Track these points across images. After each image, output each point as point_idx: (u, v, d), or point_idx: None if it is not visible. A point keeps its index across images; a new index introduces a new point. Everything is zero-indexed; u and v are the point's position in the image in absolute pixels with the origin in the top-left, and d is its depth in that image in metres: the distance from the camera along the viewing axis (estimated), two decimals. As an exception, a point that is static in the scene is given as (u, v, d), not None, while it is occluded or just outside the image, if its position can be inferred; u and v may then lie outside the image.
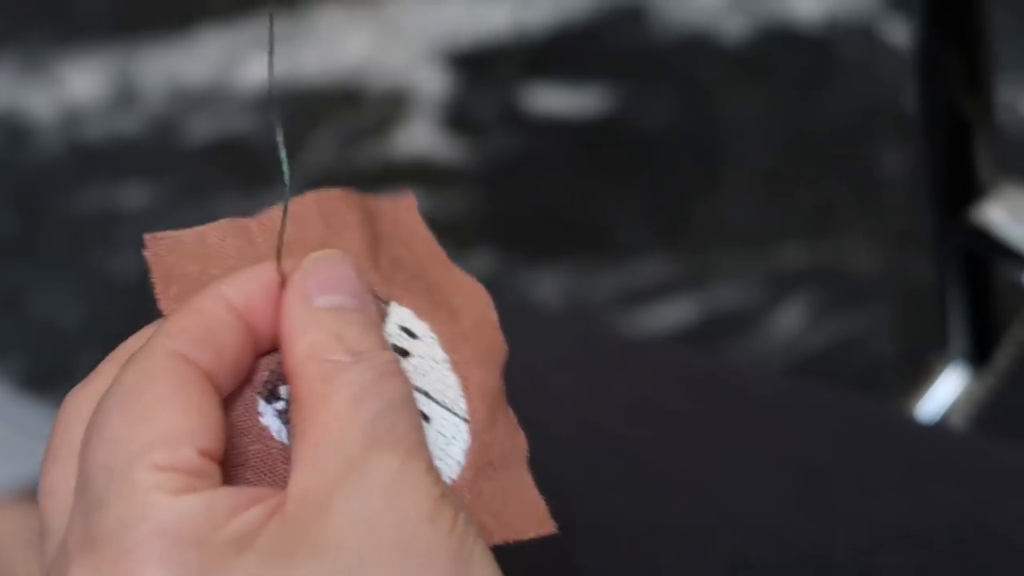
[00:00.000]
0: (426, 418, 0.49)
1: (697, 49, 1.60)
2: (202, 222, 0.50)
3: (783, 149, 1.56)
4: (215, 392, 0.46)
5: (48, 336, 1.44)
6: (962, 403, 0.93)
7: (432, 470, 0.44)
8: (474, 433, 0.50)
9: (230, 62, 1.59)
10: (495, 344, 0.52)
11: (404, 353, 0.50)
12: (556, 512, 0.69)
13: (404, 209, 0.53)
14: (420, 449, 0.45)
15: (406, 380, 0.46)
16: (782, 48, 1.60)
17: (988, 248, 0.89)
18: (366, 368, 0.45)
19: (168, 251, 0.49)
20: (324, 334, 0.46)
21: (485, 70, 1.60)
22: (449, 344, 0.51)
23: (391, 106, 1.57)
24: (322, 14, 1.62)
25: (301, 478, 0.44)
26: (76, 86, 1.58)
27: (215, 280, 0.48)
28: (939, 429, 0.80)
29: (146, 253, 0.48)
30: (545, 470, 0.73)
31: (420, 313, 0.51)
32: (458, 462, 0.50)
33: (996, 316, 0.95)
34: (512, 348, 0.80)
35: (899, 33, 1.59)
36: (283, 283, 0.48)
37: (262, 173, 1.48)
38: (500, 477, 0.50)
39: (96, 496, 0.44)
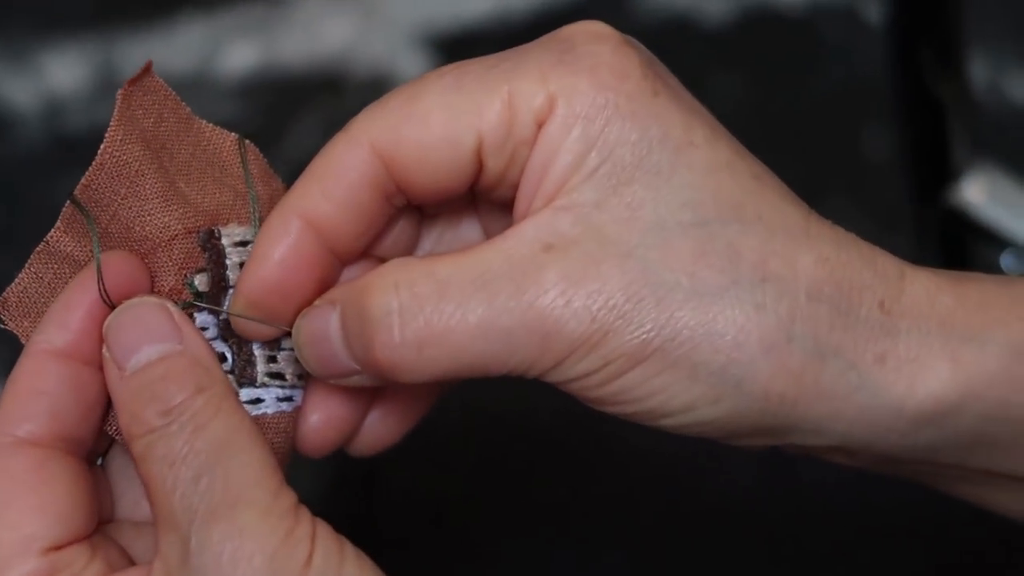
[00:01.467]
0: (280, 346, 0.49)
1: (679, 32, 1.60)
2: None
3: (765, 129, 1.55)
4: (66, 463, 0.46)
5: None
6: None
7: (270, 514, 0.43)
8: None
9: (211, 50, 1.58)
10: (275, 185, 0.52)
11: (243, 265, 0.49)
12: (529, 497, 0.69)
13: (151, 87, 0.52)
14: (247, 500, 0.43)
15: (226, 416, 0.45)
16: (764, 30, 1.60)
17: (965, 229, 0.89)
18: (175, 430, 0.45)
19: (20, 306, 0.49)
20: (136, 405, 0.46)
21: (468, 54, 1.59)
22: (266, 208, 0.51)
23: (374, 92, 1.56)
24: (303, 0, 1.62)
25: (155, 566, 0.45)
26: (57, 76, 1.57)
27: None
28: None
29: (2, 316, 0.49)
30: (525, 456, 0.73)
31: (235, 215, 0.51)
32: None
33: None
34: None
35: (881, 15, 1.59)
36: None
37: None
38: None
39: None
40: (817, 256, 0.47)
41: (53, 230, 0.49)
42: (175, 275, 0.49)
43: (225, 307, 0.48)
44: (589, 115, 0.47)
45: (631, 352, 0.45)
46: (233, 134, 0.51)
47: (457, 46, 1.59)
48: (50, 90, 1.56)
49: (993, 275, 0.48)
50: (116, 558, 0.47)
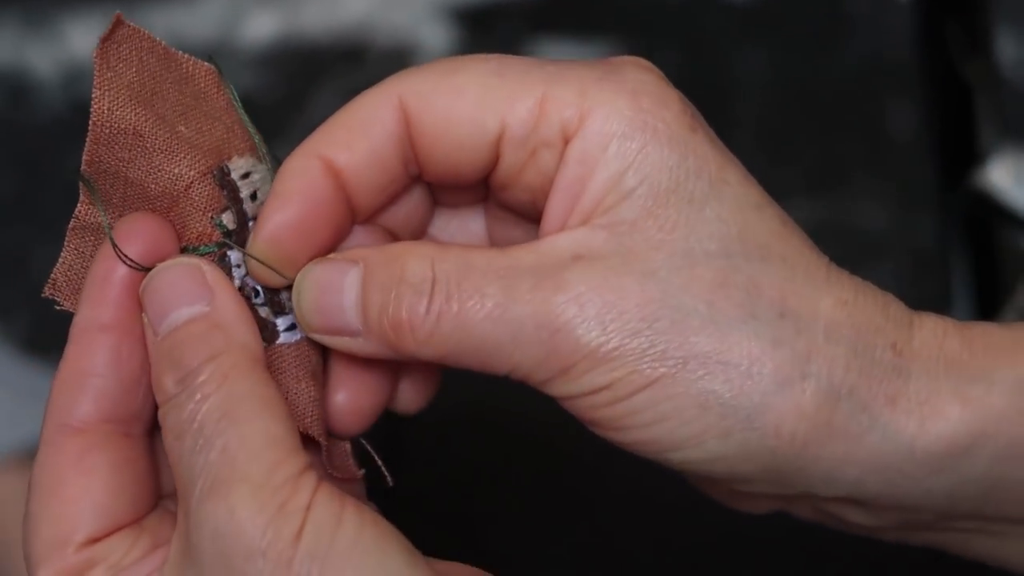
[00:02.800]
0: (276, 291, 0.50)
1: (705, 4, 1.59)
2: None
3: (790, 105, 1.55)
4: (112, 448, 0.46)
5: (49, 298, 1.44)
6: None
7: (262, 489, 0.43)
8: None
9: (233, 19, 1.58)
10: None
11: (254, 197, 0.49)
12: (542, 492, 0.68)
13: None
14: (240, 476, 0.43)
15: (231, 384, 0.45)
16: (790, 4, 1.59)
17: (990, 212, 0.88)
18: (183, 400, 0.45)
19: (69, 284, 0.49)
20: (160, 368, 0.45)
21: (490, 26, 1.59)
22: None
23: (395, 63, 1.56)
24: (326, -30, 1.61)
25: (173, 538, 0.45)
26: (78, 44, 1.57)
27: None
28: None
29: (56, 299, 0.49)
30: (539, 454, 0.73)
31: (232, 148, 0.51)
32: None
33: (999, 280, 0.94)
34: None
35: (908, -12, 1.58)
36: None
37: (265, 130, 1.47)
38: None
39: None
40: (836, 299, 0.47)
41: (79, 204, 0.49)
42: (201, 219, 0.49)
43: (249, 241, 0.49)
44: (626, 134, 0.46)
45: (640, 372, 0.45)
46: (206, 63, 0.51)
47: (479, 19, 1.59)
48: (71, 57, 1.56)
49: (997, 323, 0.48)
50: (166, 529, 0.47)
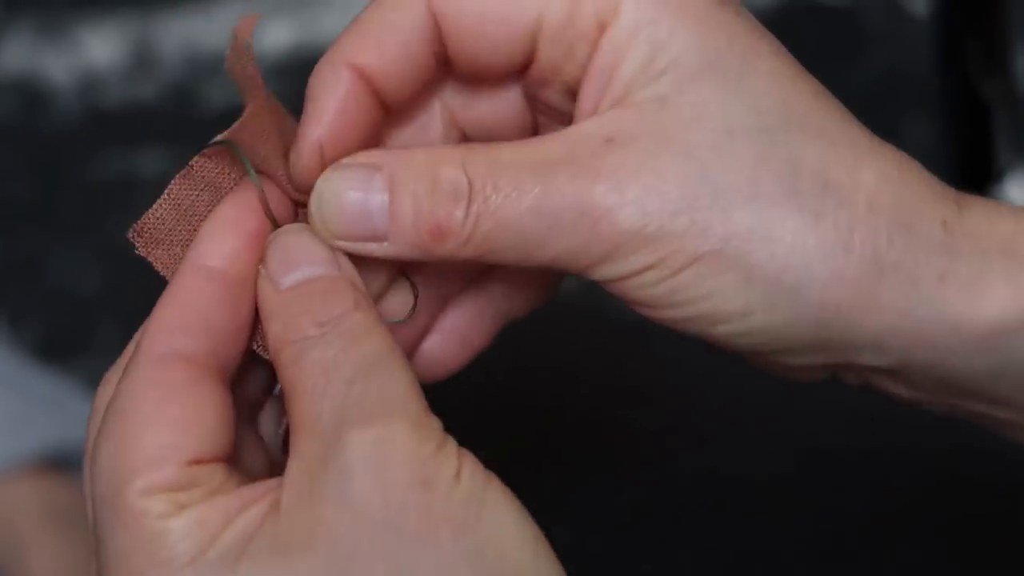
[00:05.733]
0: None
1: (720, 17, 1.59)
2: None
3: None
4: (213, 382, 0.46)
5: (64, 303, 1.44)
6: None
7: (421, 425, 0.43)
8: None
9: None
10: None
11: None
12: (563, 495, 0.68)
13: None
14: (400, 409, 0.43)
15: (380, 336, 0.45)
16: (806, 17, 1.59)
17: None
18: (332, 339, 0.45)
19: (154, 233, 0.49)
20: (289, 315, 0.45)
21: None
22: None
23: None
24: (342, -20, 1.61)
25: (291, 467, 0.44)
26: (94, 52, 1.57)
27: (196, 233, 0.48)
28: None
29: (136, 244, 0.49)
30: (559, 453, 0.72)
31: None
32: None
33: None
34: (527, 328, 0.80)
35: (923, 3, 1.58)
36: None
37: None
38: None
39: (97, 528, 0.45)
40: (879, 171, 0.47)
41: (197, 156, 0.49)
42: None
43: None
44: (656, 19, 0.46)
45: (684, 250, 0.45)
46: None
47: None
48: (87, 65, 1.56)
49: None
50: (246, 482, 0.46)
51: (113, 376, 0.47)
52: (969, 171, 0.89)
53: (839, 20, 1.59)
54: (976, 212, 0.47)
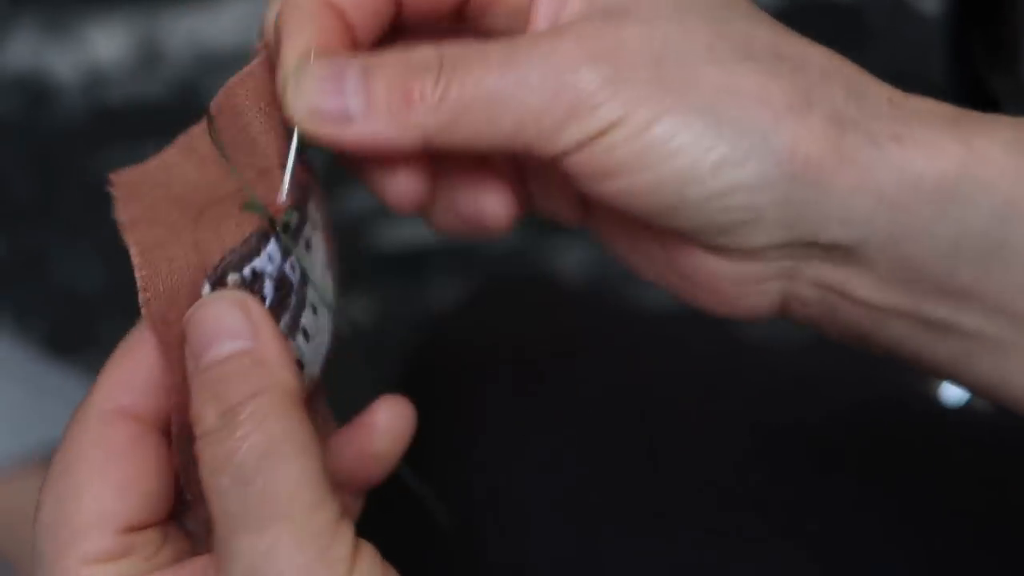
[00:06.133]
0: (315, 311, 0.49)
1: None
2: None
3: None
4: (157, 440, 0.46)
5: (68, 300, 1.44)
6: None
7: (308, 527, 0.43)
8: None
9: (254, 25, 1.58)
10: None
11: (308, 246, 0.50)
12: (585, 485, 0.68)
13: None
14: (285, 514, 0.43)
15: (270, 426, 0.44)
16: (812, 15, 1.59)
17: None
18: (225, 435, 0.44)
19: (131, 182, 0.49)
20: (200, 402, 0.45)
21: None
22: (325, 227, 0.52)
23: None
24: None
25: (206, 561, 0.45)
26: (99, 48, 1.57)
27: (178, 198, 0.48)
28: (964, 408, 0.80)
29: (111, 188, 0.49)
30: (576, 446, 0.73)
31: (316, 200, 0.51)
32: (325, 358, 0.51)
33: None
34: (540, 321, 0.80)
35: (928, 2, 1.58)
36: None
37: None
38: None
39: None
40: (825, 54, 0.49)
41: (196, 126, 0.50)
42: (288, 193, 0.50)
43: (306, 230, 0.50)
44: None
45: (651, 102, 0.46)
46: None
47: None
48: (92, 62, 1.56)
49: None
50: (183, 545, 0.47)
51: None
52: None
53: (846, 18, 1.59)
54: (917, 98, 0.48)
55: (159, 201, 0.49)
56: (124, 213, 0.48)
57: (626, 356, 0.76)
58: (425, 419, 0.78)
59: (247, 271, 0.48)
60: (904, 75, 1.69)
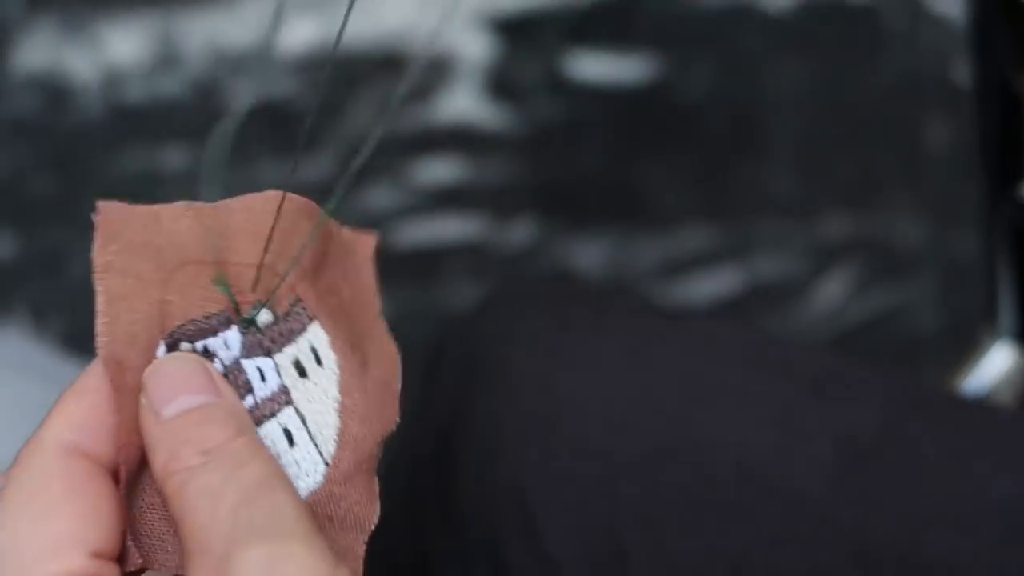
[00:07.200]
0: (291, 442, 0.48)
1: (741, 17, 1.59)
2: (243, 186, 0.50)
3: (826, 119, 1.54)
4: (109, 483, 0.46)
5: (86, 298, 1.44)
6: (1010, 380, 0.92)
7: (315, 545, 0.43)
8: (329, 480, 0.49)
9: (271, 25, 1.58)
10: (388, 412, 0.51)
11: (302, 373, 0.49)
12: (603, 486, 0.68)
13: (361, 245, 0.53)
14: (290, 530, 0.43)
15: (262, 460, 0.45)
16: (827, 17, 1.59)
17: (1038, 224, 0.88)
18: (216, 466, 0.45)
19: (118, 219, 0.48)
20: (173, 445, 0.45)
21: (528, 36, 1.59)
22: (346, 388, 0.50)
23: (433, 72, 1.56)
24: (364, -22, 1.61)
25: None
26: (117, 48, 1.57)
27: (159, 248, 0.48)
28: (987, 406, 0.80)
29: (95, 216, 0.48)
30: (591, 444, 0.73)
31: (335, 346, 0.50)
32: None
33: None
34: (555, 320, 0.80)
35: (945, 3, 1.58)
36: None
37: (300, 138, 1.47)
38: (333, 536, 0.49)
39: None
40: None
41: (205, 204, 0.50)
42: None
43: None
44: None
45: None
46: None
47: (517, 29, 1.59)
48: (109, 61, 1.57)
49: None
50: None
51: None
52: (999, 166, 0.89)
53: (860, 20, 1.59)
54: None
55: (137, 248, 0.48)
56: (100, 255, 0.48)
57: (648, 361, 0.76)
58: (443, 418, 0.78)
59: (199, 345, 0.48)
60: (920, 78, 1.69)
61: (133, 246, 0.48)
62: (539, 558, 0.71)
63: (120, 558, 0.46)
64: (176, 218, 0.49)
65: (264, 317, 0.49)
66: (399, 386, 0.51)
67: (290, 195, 0.50)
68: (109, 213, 0.48)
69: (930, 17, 1.58)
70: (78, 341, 1.41)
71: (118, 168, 1.50)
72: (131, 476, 0.46)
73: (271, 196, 0.50)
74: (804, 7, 1.58)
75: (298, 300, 0.50)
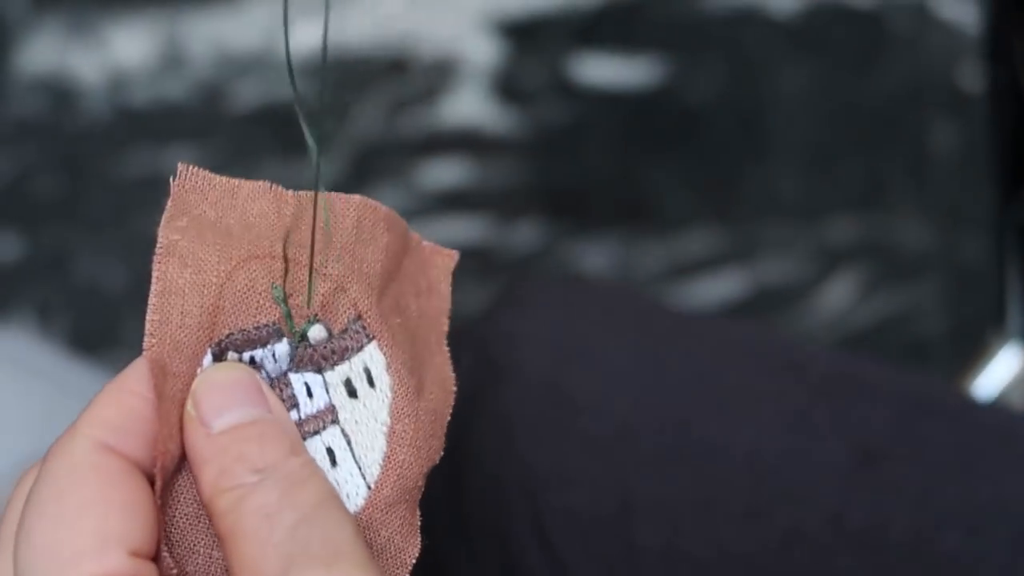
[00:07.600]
0: (334, 462, 0.47)
1: (747, 20, 1.59)
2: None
3: (832, 122, 1.54)
4: (145, 484, 0.44)
5: (92, 299, 1.44)
6: (1019, 382, 0.92)
7: (369, 570, 0.42)
8: (370, 505, 0.48)
9: (277, 28, 1.58)
10: (435, 443, 0.49)
11: (352, 393, 0.48)
12: (613, 486, 0.68)
13: (441, 260, 0.51)
14: (348, 553, 0.42)
15: (318, 481, 0.44)
16: (833, 21, 1.59)
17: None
18: (272, 485, 0.43)
19: (194, 187, 0.47)
20: (225, 462, 0.44)
21: (534, 39, 1.59)
22: (397, 413, 0.48)
23: (438, 75, 1.56)
24: (370, -20, 1.61)
25: None
26: (123, 50, 1.57)
27: (228, 229, 0.46)
28: (996, 408, 0.79)
29: (172, 180, 0.46)
30: (601, 444, 0.72)
31: (391, 368, 0.49)
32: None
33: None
34: (565, 320, 0.80)
35: (951, 7, 1.58)
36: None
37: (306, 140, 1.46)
38: None
39: None
40: None
41: (288, 191, 0.48)
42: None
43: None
44: None
45: None
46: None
47: (524, 32, 1.59)
48: (115, 63, 1.56)
49: None
50: None
51: (32, 471, 0.46)
52: (1009, 168, 0.89)
53: (866, 24, 1.59)
54: None
55: (206, 227, 0.46)
56: (166, 229, 0.46)
57: (656, 363, 0.76)
58: (452, 417, 0.78)
59: (246, 356, 0.46)
60: (926, 81, 1.69)
61: (202, 223, 0.46)
62: (549, 558, 0.71)
63: (155, 559, 0.45)
64: (254, 197, 0.47)
65: (318, 333, 0.48)
66: (449, 418, 0.50)
67: (374, 203, 0.48)
68: (187, 179, 0.46)
69: (936, 21, 1.58)
70: (84, 341, 1.41)
71: (123, 169, 1.50)
72: (166, 483, 0.45)
73: (354, 201, 0.48)
74: (810, 11, 1.58)
75: (358, 318, 0.48)
